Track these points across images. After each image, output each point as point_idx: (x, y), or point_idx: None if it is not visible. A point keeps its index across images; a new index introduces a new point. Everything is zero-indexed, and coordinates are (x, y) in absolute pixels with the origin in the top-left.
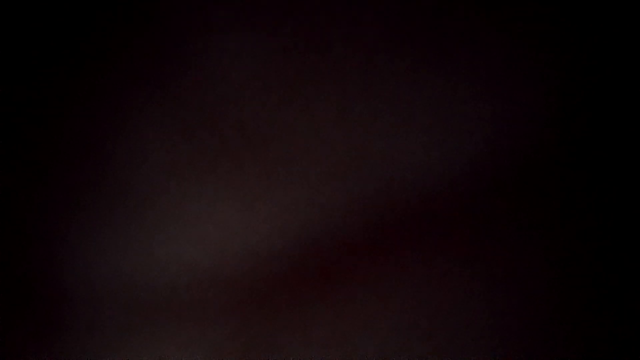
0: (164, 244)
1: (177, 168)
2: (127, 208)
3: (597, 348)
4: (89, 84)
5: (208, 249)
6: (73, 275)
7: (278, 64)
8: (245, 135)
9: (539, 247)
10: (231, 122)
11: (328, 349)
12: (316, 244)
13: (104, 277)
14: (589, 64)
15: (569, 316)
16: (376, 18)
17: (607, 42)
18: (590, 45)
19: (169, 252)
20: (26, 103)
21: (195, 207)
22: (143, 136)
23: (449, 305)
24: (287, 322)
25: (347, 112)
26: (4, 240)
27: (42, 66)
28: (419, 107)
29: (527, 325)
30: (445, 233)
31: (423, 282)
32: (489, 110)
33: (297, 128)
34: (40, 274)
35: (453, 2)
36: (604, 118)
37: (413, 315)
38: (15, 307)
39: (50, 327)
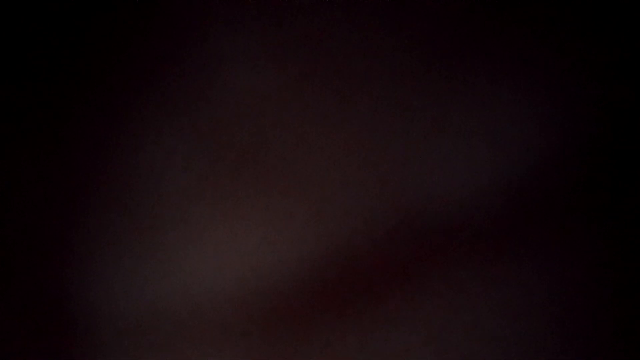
0: (181, 267)
1: (195, 191)
2: (144, 231)
3: None
4: (88, 87)
5: (227, 272)
6: (89, 300)
7: (278, 66)
8: (264, 151)
9: (575, 258)
10: (250, 138)
11: None
12: (338, 263)
13: (120, 302)
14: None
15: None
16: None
17: None
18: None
19: (187, 276)
20: (26, 106)
21: (214, 229)
22: (156, 155)
23: (470, 328)
24: (308, 345)
25: (352, 115)
26: (19, 265)
27: (40, 68)
28: (430, 112)
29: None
30: (464, 249)
31: (441, 300)
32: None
33: (299, 131)
34: (55, 300)
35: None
36: None
37: (433, 341)
38: (32, 333)
39: (67, 351)
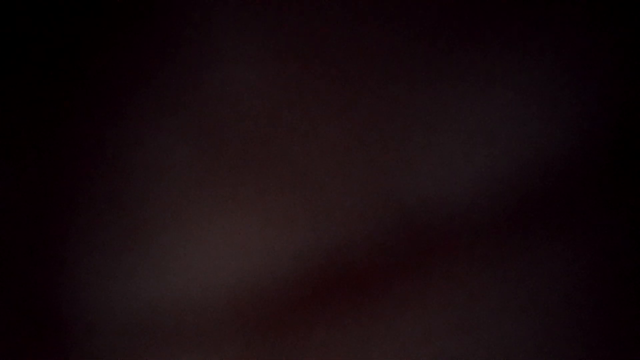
0: (180, 267)
1: (194, 190)
2: (142, 231)
3: None
4: (85, 85)
5: (226, 271)
6: (87, 300)
7: (278, 64)
8: (263, 150)
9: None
10: (245, 134)
11: None
12: (338, 263)
13: (118, 302)
14: None
15: None
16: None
17: None
18: None
19: (186, 275)
20: (25, 106)
21: (213, 229)
22: (155, 154)
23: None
24: (307, 344)
25: (350, 113)
26: (17, 266)
27: (38, 66)
28: (430, 112)
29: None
30: (464, 248)
31: (441, 299)
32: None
33: (299, 129)
34: (53, 300)
35: None
36: None
37: (429, 340)
38: (30, 333)
39: (65, 351)
